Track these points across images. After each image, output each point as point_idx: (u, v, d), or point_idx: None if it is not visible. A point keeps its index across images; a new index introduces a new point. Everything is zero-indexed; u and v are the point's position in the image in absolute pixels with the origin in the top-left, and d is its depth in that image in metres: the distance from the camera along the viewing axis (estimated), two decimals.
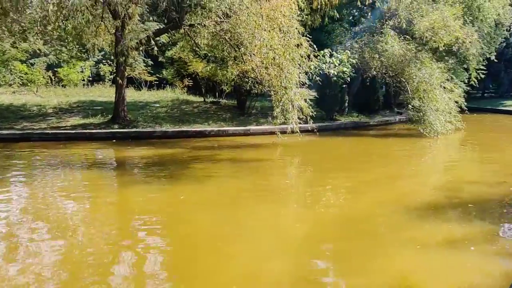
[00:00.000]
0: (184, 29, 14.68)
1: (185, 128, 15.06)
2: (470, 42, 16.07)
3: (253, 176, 9.30)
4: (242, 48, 12.73)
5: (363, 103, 20.80)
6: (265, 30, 12.26)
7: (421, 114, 14.99)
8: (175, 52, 19.35)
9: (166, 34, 17.52)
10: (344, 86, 17.49)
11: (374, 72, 16.54)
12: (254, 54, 12.60)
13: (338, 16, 12.49)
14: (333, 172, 9.88)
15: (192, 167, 9.94)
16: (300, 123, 12.45)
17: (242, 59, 13.16)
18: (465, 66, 22.00)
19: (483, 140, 15.86)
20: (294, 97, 12.33)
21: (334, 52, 15.44)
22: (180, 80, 21.12)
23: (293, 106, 12.32)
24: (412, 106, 15.22)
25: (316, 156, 12.47)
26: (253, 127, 15.54)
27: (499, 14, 19.84)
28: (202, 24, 13.64)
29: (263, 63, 12.43)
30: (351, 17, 19.97)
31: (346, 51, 15.79)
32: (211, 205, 7.04)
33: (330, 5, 11.95)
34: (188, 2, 13.70)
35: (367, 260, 4.86)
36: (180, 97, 20.27)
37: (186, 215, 6.51)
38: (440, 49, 16.00)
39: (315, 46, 12.91)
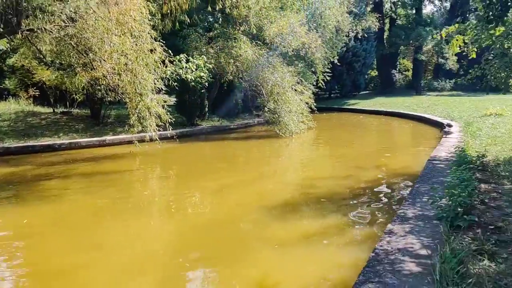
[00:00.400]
0: (23, 34, 13.17)
1: (31, 142, 13.55)
2: (315, 47, 17.40)
3: (110, 190, 8.69)
4: (91, 54, 11.87)
5: (223, 107, 21.14)
6: (115, 35, 11.63)
7: (277, 115, 15.74)
8: (16, 60, 17.34)
9: (5, 39, 15.54)
10: (203, 91, 17.54)
11: (231, 77, 16.91)
12: (104, 60, 11.86)
13: (189, 21, 12.40)
14: (195, 178, 9.76)
15: (41, 185, 8.92)
16: (159, 130, 12.10)
17: (92, 65, 12.29)
18: (313, 69, 23.73)
19: (332, 136, 17.28)
20: (151, 104, 11.92)
21: (190, 58, 15.33)
22: (24, 90, 18.97)
23: (150, 113, 11.91)
24: (268, 108, 15.88)
25: (178, 163, 12.23)
26: (109, 137, 14.65)
27: (338, 21, 21.91)
28: (43, 29, 12.38)
29: (115, 69, 11.77)
30: (205, 23, 20.09)
31: (202, 56, 15.81)
32: (63, 227, 6.36)
33: (181, 10, 11.79)
34: (25, 5, 12.31)
35: (232, 265, 4.81)
36: (25, 109, 18.20)
37: (30, 241, 5.75)
38: (290, 53, 17.01)
39: (170, 51, 12.68)
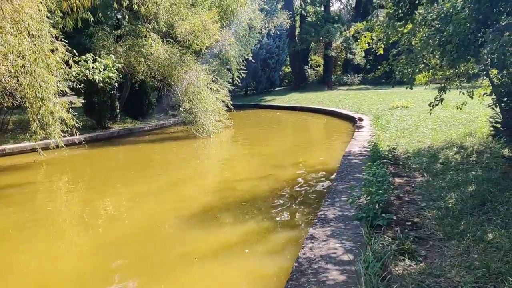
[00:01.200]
0: None
1: None
2: (228, 44, 17.18)
3: (9, 208, 7.75)
4: None
5: (136, 108, 20.23)
6: (10, 34, 10.50)
7: (193, 115, 15.31)
8: None
9: None
10: (112, 92, 16.57)
11: (142, 76, 16.13)
12: None
13: (93, 18, 11.51)
14: (106, 187, 9.07)
15: None
16: (65, 136, 11.18)
17: None
18: (228, 67, 23.53)
19: (250, 134, 17.20)
20: (54, 108, 10.95)
21: (97, 57, 14.35)
22: None
23: (54, 118, 10.95)
24: (183, 108, 15.39)
25: (87, 171, 11.35)
26: (9, 146, 13.25)
27: (251, 19, 21.91)
28: None
29: (11, 72, 10.64)
30: (113, 20, 18.97)
31: (111, 55, 14.88)
32: None
33: (83, 7, 10.90)
34: None
35: (148, 286, 4.39)
36: None
37: None
38: (203, 51, 16.63)
39: (75, 51, 11.76)
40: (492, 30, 5.14)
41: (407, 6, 4.65)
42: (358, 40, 9.95)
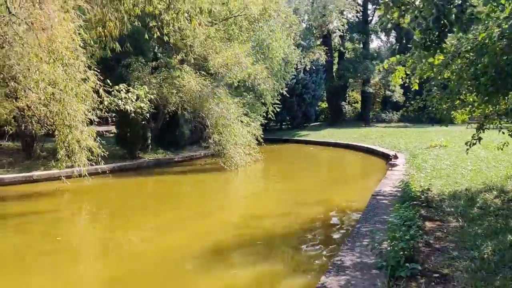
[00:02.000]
0: None
1: None
2: (260, 78, 17.09)
3: (23, 235, 7.62)
4: (13, 83, 10.87)
5: (169, 139, 20.30)
6: (46, 62, 10.75)
7: (221, 148, 15.10)
8: None
9: None
10: (144, 122, 16.67)
11: (173, 108, 16.18)
12: (29, 89, 10.89)
13: (120, 49, 11.67)
14: (122, 219, 8.85)
15: None
16: (92, 165, 11.16)
17: (16, 95, 11.28)
18: (262, 100, 23.45)
19: (279, 169, 16.78)
20: (81, 137, 10.98)
21: (130, 88, 14.52)
22: None
23: (80, 146, 10.96)
24: (213, 140, 15.23)
25: (109, 200, 11.24)
26: (37, 173, 13.42)
27: (286, 53, 21.87)
28: None
29: (41, 99, 10.82)
30: (150, 52, 19.38)
31: (144, 86, 15.03)
32: None
33: (111, 37, 11.07)
34: None
35: None
36: None
37: None
38: (235, 84, 16.60)
39: (108, 80, 11.90)
40: None
41: (435, 34, 4.24)
42: (392, 76, 9.51)
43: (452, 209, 7.23)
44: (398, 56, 8.50)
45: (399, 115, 42.65)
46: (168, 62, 17.51)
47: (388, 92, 41.97)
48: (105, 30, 10.80)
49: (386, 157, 17.43)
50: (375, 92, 46.58)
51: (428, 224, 6.42)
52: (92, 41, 11.46)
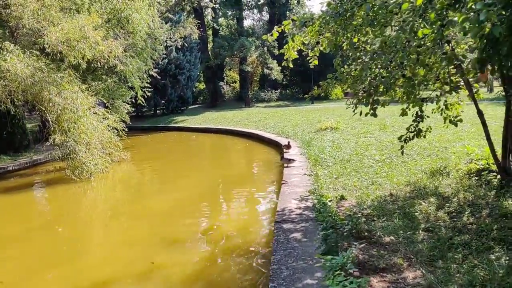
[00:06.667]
0: None
1: None
2: (115, 56, 13.45)
3: None
4: None
5: (6, 140, 15.73)
6: None
7: (68, 151, 11.37)
8: None
9: None
10: None
11: None
12: None
13: None
14: None
15: None
16: None
17: None
18: (129, 84, 19.68)
19: (146, 173, 13.41)
20: None
21: None
22: None
23: None
24: (54, 142, 11.41)
25: None
26: None
27: (150, 27, 18.29)
28: None
29: None
30: None
31: None
32: None
33: None
34: None
35: None
36: None
37: None
38: (84, 66, 12.74)
39: None
40: None
41: None
42: (284, 47, 6.94)
43: (393, 239, 4.94)
44: (303, 15, 5.91)
45: (278, 93, 41.69)
46: None
47: (266, 71, 40.54)
48: None
49: (274, 144, 15.23)
50: (253, 70, 45.03)
51: (375, 283, 3.99)
52: None
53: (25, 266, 5.98)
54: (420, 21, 3.74)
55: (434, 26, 3.54)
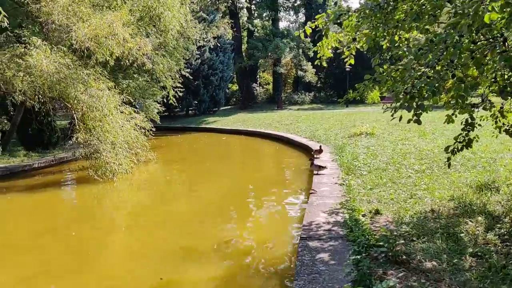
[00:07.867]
0: None
1: None
2: (144, 54, 13.11)
3: None
4: None
5: (32, 136, 15.70)
6: None
7: (92, 150, 11.08)
8: None
9: None
10: None
11: (22, 97, 11.66)
12: None
13: None
14: None
15: None
16: None
17: None
18: (161, 84, 19.45)
19: (173, 175, 12.95)
20: None
21: None
22: None
23: None
24: (77, 140, 11.14)
25: None
26: None
27: (182, 26, 17.95)
28: None
29: None
30: None
31: None
32: None
33: None
34: None
35: None
36: None
37: None
38: (112, 63, 12.46)
39: None
40: None
41: None
42: (318, 44, 6.29)
43: (436, 264, 4.23)
44: (336, 7, 5.26)
45: (312, 96, 40.87)
46: (21, 34, 12.92)
47: (300, 73, 39.80)
48: None
49: (305, 149, 14.54)
50: (287, 72, 44.38)
51: None
52: None
53: (26, 277, 5.56)
54: (488, 1, 3.06)
55: (506, 9, 2.86)
